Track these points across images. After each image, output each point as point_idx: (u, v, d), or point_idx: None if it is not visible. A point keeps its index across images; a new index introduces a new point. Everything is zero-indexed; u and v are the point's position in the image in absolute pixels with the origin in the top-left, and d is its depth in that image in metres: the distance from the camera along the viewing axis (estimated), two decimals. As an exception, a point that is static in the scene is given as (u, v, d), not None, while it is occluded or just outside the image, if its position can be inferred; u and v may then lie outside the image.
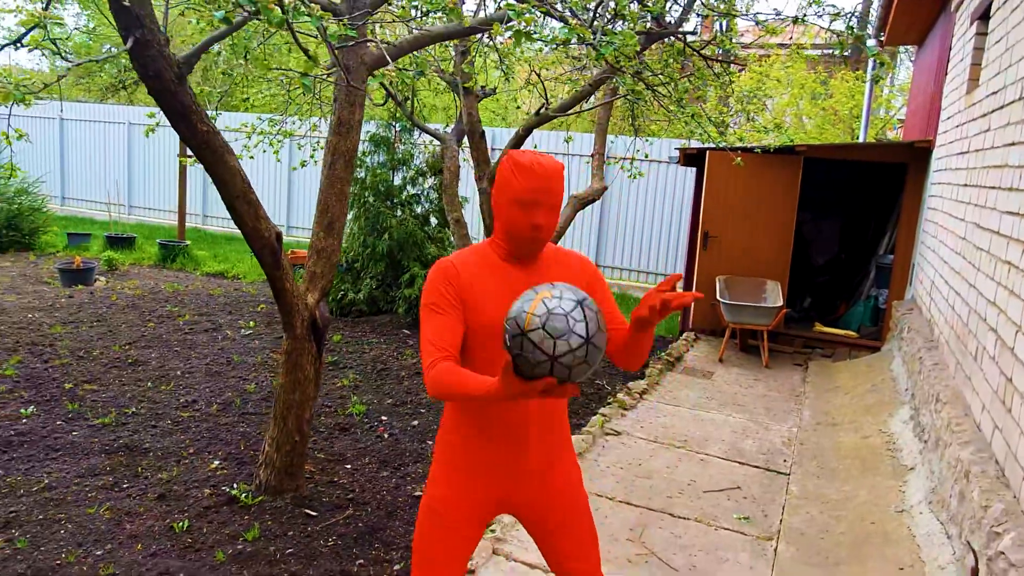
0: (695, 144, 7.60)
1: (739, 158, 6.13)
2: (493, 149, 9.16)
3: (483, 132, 6.15)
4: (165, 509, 3.45)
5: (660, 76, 4.49)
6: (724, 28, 6.33)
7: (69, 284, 7.86)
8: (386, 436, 4.55)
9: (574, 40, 2.32)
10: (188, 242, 10.26)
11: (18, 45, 3.24)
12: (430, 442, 4.50)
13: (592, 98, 6.89)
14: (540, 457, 1.97)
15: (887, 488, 3.96)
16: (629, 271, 10.86)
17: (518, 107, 8.47)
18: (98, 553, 3.06)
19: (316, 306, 3.48)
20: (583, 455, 4.49)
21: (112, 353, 5.68)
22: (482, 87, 6.46)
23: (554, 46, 2.52)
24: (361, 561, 3.17)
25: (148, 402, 4.77)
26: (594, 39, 2.40)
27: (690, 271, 7.98)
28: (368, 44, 3.03)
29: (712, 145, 6.31)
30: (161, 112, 2.68)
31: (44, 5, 2.98)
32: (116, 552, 3.07)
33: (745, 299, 7.32)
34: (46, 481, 3.63)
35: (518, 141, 5.82)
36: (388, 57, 3.21)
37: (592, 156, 7.28)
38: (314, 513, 3.51)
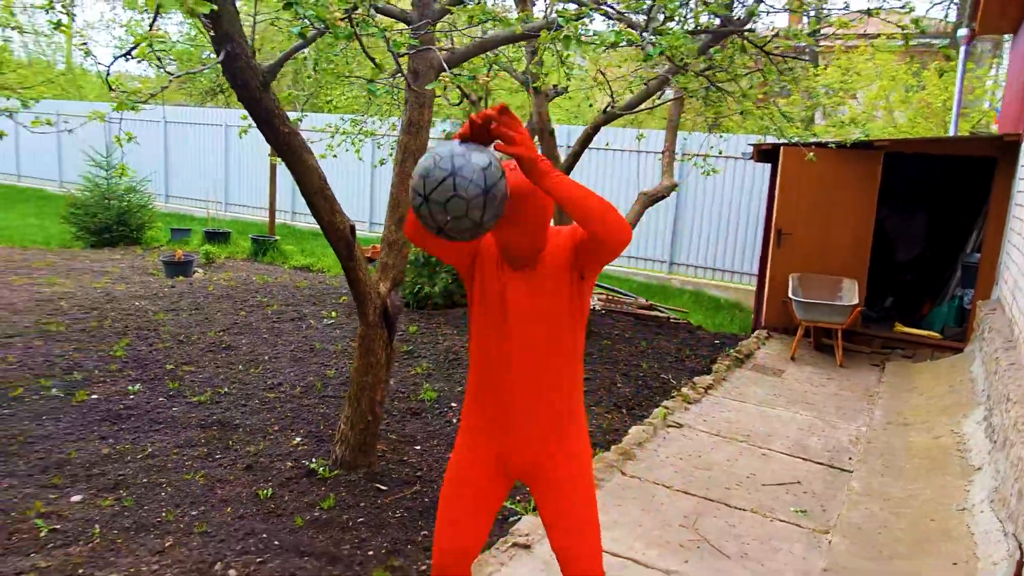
0: (770, 140, 7.52)
1: (811, 153, 6.06)
2: (567, 147, 9.27)
3: (552, 130, 6.31)
4: (252, 478, 3.79)
5: (726, 72, 4.53)
6: (812, 22, 6.25)
7: (172, 275, 8.51)
8: (454, 421, 4.78)
9: (623, 42, 2.45)
10: (278, 237, 10.86)
11: (127, 57, 3.63)
12: (495, 428, 4.69)
13: (666, 94, 6.93)
14: (528, 424, 2.09)
15: (952, 487, 3.89)
16: (704, 269, 10.77)
17: (591, 105, 8.57)
18: (193, 513, 3.40)
19: (388, 295, 3.73)
20: (643, 445, 4.59)
21: (208, 338, 6.16)
22: (554, 86, 6.62)
23: (604, 48, 2.65)
24: (425, 532, 3.40)
25: (239, 383, 5.17)
26: (643, 40, 2.53)
27: (763, 269, 7.90)
28: (433, 50, 3.23)
29: (786, 141, 6.26)
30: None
31: (150, 23, 3.34)
32: (209, 513, 3.41)
33: (820, 297, 7.20)
34: (150, 450, 4.03)
35: (586, 139, 5.95)
36: (447, 64, 3.42)
37: (663, 153, 7.32)
38: (384, 488, 3.78)
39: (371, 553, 3.20)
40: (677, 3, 2.72)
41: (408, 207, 3.81)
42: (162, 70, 2.93)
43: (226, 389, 5.03)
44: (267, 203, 11.49)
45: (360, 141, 7.59)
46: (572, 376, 2.13)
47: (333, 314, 7.30)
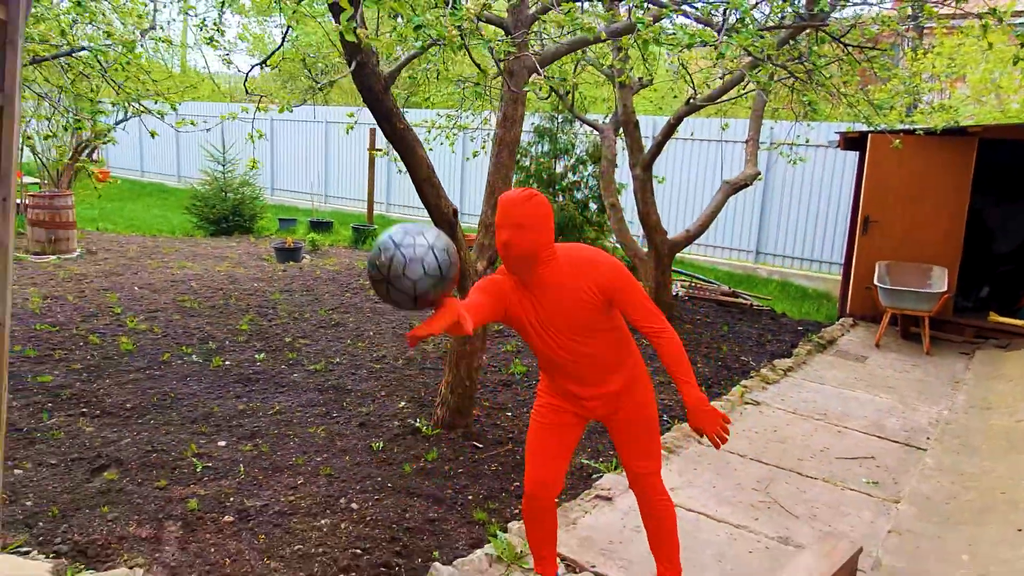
0: (859, 128, 7.52)
1: (897, 140, 6.10)
2: (651, 137, 9.49)
3: (637, 122, 6.59)
4: (365, 434, 4.31)
5: (803, 63, 4.71)
6: (902, 9, 6.27)
7: (283, 260, 9.29)
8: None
9: (697, 43, 2.75)
10: (376, 226, 11.56)
11: (263, 66, 4.19)
12: (580, 400, 5.07)
13: (749, 84, 7.07)
14: (594, 390, 2.58)
15: (1027, 464, 3.99)
16: (792, 259, 10.75)
17: (675, 96, 8.76)
18: (318, 459, 3.95)
19: (484, 271, 4.16)
20: (720, 419, 4.85)
21: (319, 316, 6.80)
22: (639, 79, 6.90)
23: (680, 49, 2.94)
24: (517, 483, 3.82)
25: (348, 355, 5.75)
26: (715, 40, 2.81)
27: (849, 257, 7.91)
28: (527, 53, 3.62)
29: (874, 128, 6.31)
30: (358, 113, 3.43)
31: (283, 35, 3.87)
32: (331, 460, 3.94)
33: (908, 285, 7.18)
34: (277, 407, 4.63)
35: (669, 130, 6.21)
36: (540, 64, 3.79)
37: (747, 142, 7.47)
38: (480, 445, 4.22)
39: (470, 497, 3.64)
40: (748, 6, 2.98)
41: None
42: (301, 76, 3.43)
43: (338, 359, 5.61)
44: (363, 195, 12.23)
45: (454, 135, 8.08)
46: (619, 346, 2.56)
47: (429, 296, 7.84)
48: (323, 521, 3.33)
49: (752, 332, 7.15)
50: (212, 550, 3.06)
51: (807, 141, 8.87)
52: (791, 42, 5.02)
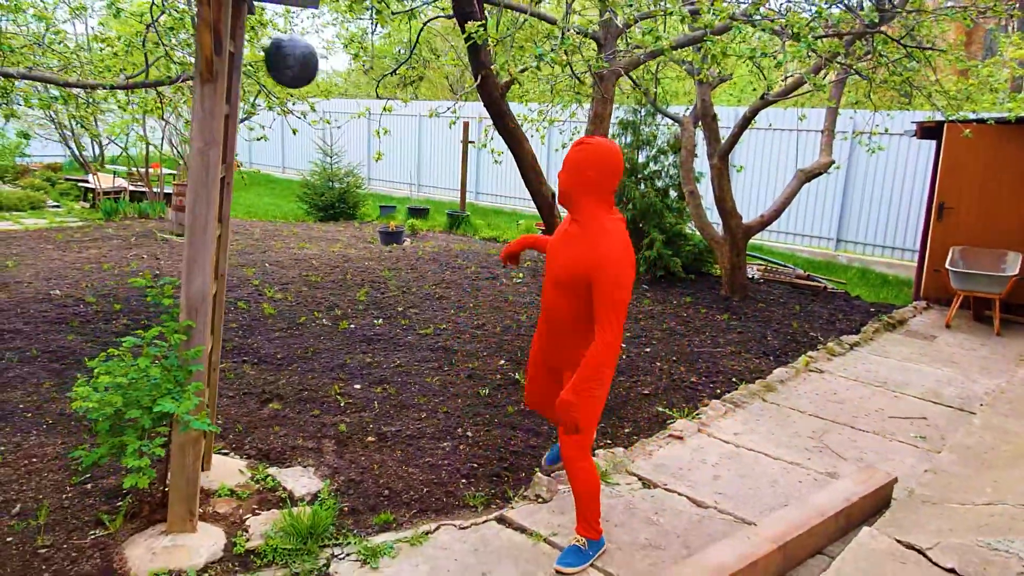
0: (938, 117, 7.78)
1: (968, 130, 6.42)
2: (728, 128, 9.93)
3: (715, 115, 7.13)
4: (472, 383, 5.11)
5: (874, 60, 5.17)
6: None
7: (387, 243, 10.27)
8: (624, 357, 5.87)
9: (758, 56, 3.34)
10: (468, 213, 12.43)
11: (394, 73, 4.99)
12: (659, 363, 5.72)
13: (827, 76, 7.47)
14: (548, 346, 3.17)
15: (1066, 424, 4.40)
16: (873, 246, 10.95)
17: (754, 89, 9.19)
18: (436, 400, 4.77)
19: (576, 248, 4.88)
20: (784, 382, 5.42)
21: (424, 291, 7.69)
22: (719, 73, 7.43)
23: (744, 60, 3.54)
24: (603, 424, 4.53)
25: (452, 323, 6.59)
26: (776, 51, 3.40)
27: (924, 242, 8.19)
28: (617, 58, 4.30)
29: (947, 118, 6.64)
30: (443, 107, 4.18)
31: (412, 47, 4.68)
32: (447, 401, 4.76)
33: (982, 268, 7.44)
34: (398, 361, 5.49)
35: (744, 122, 6.73)
36: (626, 70, 4.46)
37: (823, 132, 7.87)
38: (570, 395, 4.95)
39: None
40: (807, 18, 3.55)
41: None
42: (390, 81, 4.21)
43: (444, 326, 6.46)
44: (453, 183, 13.13)
45: (544, 128, 8.79)
46: (581, 320, 2.93)
47: (520, 275, 8.63)
48: (445, 443, 4.15)
49: (823, 312, 7.58)
50: (361, 459, 3.92)
51: (886, 130, 9.13)
52: (862, 40, 5.48)
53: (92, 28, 6.39)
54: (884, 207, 10.73)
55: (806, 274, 8.97)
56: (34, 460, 3.68)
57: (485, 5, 3.67)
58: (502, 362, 5.58)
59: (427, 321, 6.59)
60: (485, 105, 3.96)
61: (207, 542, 3.03)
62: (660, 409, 4.82)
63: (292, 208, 13.53)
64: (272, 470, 3.73)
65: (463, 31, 3.61)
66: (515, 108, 12.83)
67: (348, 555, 3.06)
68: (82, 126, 10.85)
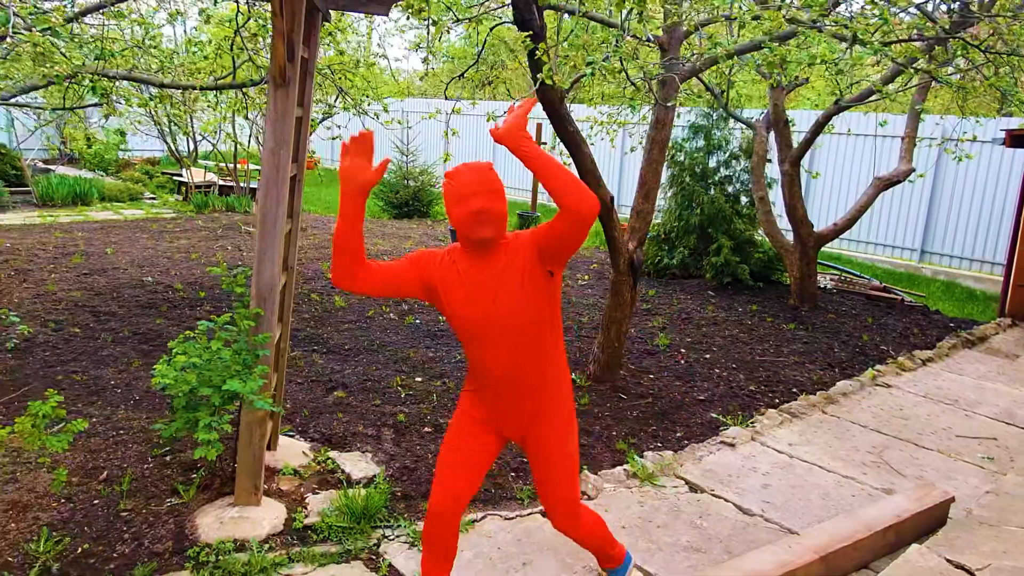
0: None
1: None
2: (804, 131, 9.70)
3: (787, 120, 7.01)
4: (528, 381, 5.23)
5: (954, 64, 5.00)
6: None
7: (456, 240, 10.49)
8: (683, 362, 5.86)
9: (818, 63, 3.31)
10: (539, 214, 12.54)
11: (461, 77, 5.12)
12: (717, 370, 5.69)
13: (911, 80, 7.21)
14: (517, 411, 2.41)
15: None
16: (960, 258, 10.46)
17: (832, 94, 8.95)
18: (492, 396, 4.91)
19: (634, 251, 4.92)
20: (847, 395, 5.30)
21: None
22: (796, 78, 7.29)
23: (804, 66, 3.51)
24: (654, 427, 4.57)
25: (514, 321, 6.71)
26: (838, 57, 3.36)
27: (1011, 256, 7.80)
28: (680, 65, 4.32)
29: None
30: (503, 113, 4.26)
31: (479, 51, 4.82)
32: (502, 397, 4.90)
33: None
34: (459, 357, 5.66)
35: (818, 127, 6.59)
36: (698, 68, 4.47)
37: (903, 138, 7.61)
38: (625, 397, 5.00)
39: (614, 433, 4.45)
40: (871, 28, 3.48)
41: (653, 186, 4.95)
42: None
43: (506, 324, 6.59)
44: (524, 184, 13.25)
45: (614, 131, 8.81)
46: (553, 348, 2.38)
47: (585, 277, 8.69)
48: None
49: (898, 325, 7.33)
50: (417, 447, 4.09)
51: (974, 137, 8.72)
52: (943, 45, 5.30)
53: (187, 31, 6.83)
54: (974, 218, 10.24)
55: (882, 285, 8.68)
56: (121, 432, 4.01)
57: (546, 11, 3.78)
58: (560, 362, 5.67)
59: (489, 319, 6.74)
60: (545, 111, 4.06)
61: (270, 516, 3.25)
62: (714, 416, 4.81)
63: (368, 205, 13.97)
64: (333, 453, 3.94)
65: (525, 38, 3.73)
66: (583, 111, 12.88)
67: (398, 536, 3.22)
68: (177, 124, 11.54)
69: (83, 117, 7.40)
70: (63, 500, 3.32)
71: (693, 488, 3.82)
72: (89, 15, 5.28)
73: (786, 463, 4.18)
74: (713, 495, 3.76)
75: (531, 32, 3.54)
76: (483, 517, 3.42)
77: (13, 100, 6.50)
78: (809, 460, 4.22)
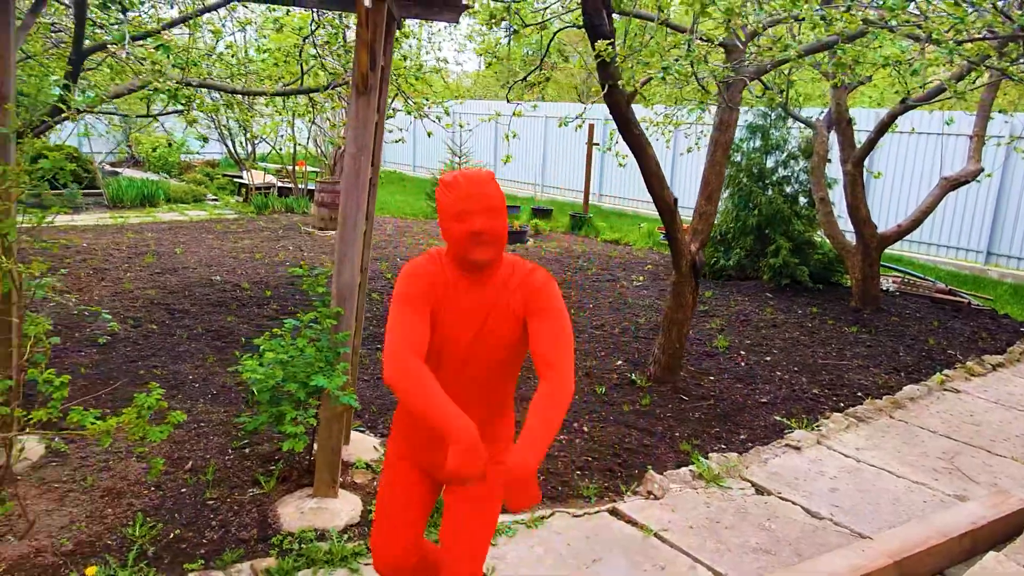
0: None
1: None
2: (866, 131, 9.51)
3: (850, 119, 6.91)
4: (590, 381, 5.27)
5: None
6: None
7: (510, 242, 10.60)
8: (743, 364, 5.83)
9: (892, 63, 3.27)
10: (591, 215, 12.57)
11: (524, 80, 5.21)
12: (779, 372, 5.65)
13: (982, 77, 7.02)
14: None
15: None
16: (1029, 261, 10.12)
17: (895, 92, 8.76)
18: (554, 395, 4.97)
19: (696, 253, 4.93)
20: (915, 400, 5.20)
21: (545, 290, 7.91)
22: (855, 77, 7.16)
23: (876, 68, 3.48)
24: (716, 429, 4.57)
25: (573, 322, 6.75)
26: (911, 57, 3.33)
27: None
28: (745, 65, 4.32)
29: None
30: (576, 117, 4.31)
31: (542, 57, 4.89)
32: (564, 396, 4.95)
33: None
34: (519, 356, 5.74)
35: (882, 127, 6.47)
36: (761, 70, 4.45)
37: (971, 137, 7.41)
38: (686, 398, 5.01)
39: (677, 434, 4.47)
40: (945, 27, 3.43)
41: (716, 187, 4.95)
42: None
43: (563, 325, 6.65)
44: (576, 185, 13.29)
45: (669, 132, 8.78)
46: (503, 391, 2.14)
47: (641, 278, 8.69)
48: (562, 436, 4.34)
49: (965, 329, 7.15)
50: (484, 445, 4.18)
51: (1046, 135, 8.43)
52: (1016, 42, 5.16)
53: (255, 40, 7.07)
54: (1043, 218, 9.89)
55: (948, 288, 8.46)
56: (202, 424, 4.20)
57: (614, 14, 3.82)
58: (619, 362, 5.70)
59: (547, 319, 6.80)
60: (611, 114, 4.10)
61: (347, 507, 3.38)
62: (778, 419, 4.79)
63: (422, 206, 14.17)
64: (402, 449, 4.06)
65: (592, 43, 3.78)
66: (640, 111, 12.85)
67: (469, 531, 3.31)
68: (242, 127, 11.91)
69: (159, 123, 7.73)
70: (153, 488, 3.50)
71: (760, 490, 3.82)
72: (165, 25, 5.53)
73: (854, 467, 4.14)
74: (780, 498, 3.76)
75: (603, 43, 3.59)
76: (552, 514, 3.49)
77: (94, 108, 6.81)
78: (878, 465, 4.18)
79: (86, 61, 4.92)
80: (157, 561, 2.95)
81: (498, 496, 2.13)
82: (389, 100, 8.29)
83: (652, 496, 3.69)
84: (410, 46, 7.26)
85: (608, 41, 3.42)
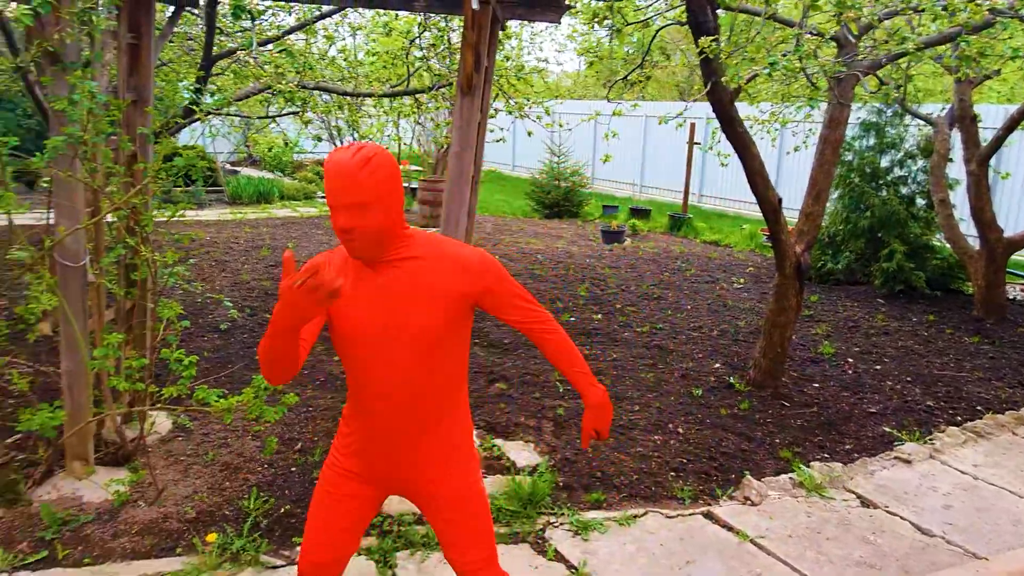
0: None
1: None
2: (993, 128, 8.87)
3: (974, 116, 6.48)
4: (686, 383, 5.20)
5: None
6: None
7: (608, 242, 10.55)
8: (850, 372, 5.59)
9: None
10: (691, 215, 12.34)
11: (625, 80, 5.20)
12: (889, 382, 5.38)
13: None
14: (411, 457, 1.96)
15: None
16: None
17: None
18: (649, 395, 4.94)
19: (801, 254, 4.77)
20: (1043, 417, 4.84)
21: (642, 290, 7.84)
22: (981, 70, 6.71)
23: (1004, 61, 3.25)
24: (819, 437, 4.41)
25: (668, 323, 6.68)
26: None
27: None
28: (858, 59, 4.14)
29: None
30: (676, 115, 4.25)
31: (644, 56, 4.85)
32: (659, 397, 4.91)
33: None
34: (614, 356, 5.73)
35: (1012, 124, 6.04)
36: (876, 65, 4.26)
37: (1117, 135, 6.79)
38: (787, 404, 4.86)
39: (777, 440, 4.34)
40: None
41: (824, 187, 4.77)
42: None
43: (660, 326, 6.58)
44: (675, 185, 13.05)
45: (776, 130, 8.51)
46: (446, 387, 1.94)
47: (742, 280, 8.46)
48: (656, 437, 4.31)
49: (1105, 343, 6.57)
50: (576, 441, 4.21)
51: None
52: None
53: (366, 43, 7.37)
54: None
55: (1085, 298, 7.79)
56: (310, 409, 4.44)
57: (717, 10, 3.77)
58: (717, 365, 5.59)
59: (644, 319, 6.75)
60: (714, 111, 4.04)
61: (443, 494, 3.49)
62: (887, 430, 4.57)
63: (520, 205, 14.33)
64: (498, 441, 4.15)
65: (696, 40, 3.74)
66: (744, 110, 12.50)
67: (562, 524, 3.35)
68: (351, 128, 12.41)
69: (276, 123, 8.20)
70: (266, 465, 3.74)
71: (865, 503, 3.67)
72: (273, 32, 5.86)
73: (970, 484, 3.90)
74: (887, 512, 3.59)
75: (706, 40, 3.54)
76: (644, 513, 3.48)
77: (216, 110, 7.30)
78: (997, 483, 3.92)
79: (212, 67, 5.30)
80: (269, 533, 3.15)
81: (479, 494, 2.05)
82: (491, 100, 8.45)
83: (749, 502, 3.62)
84: (511, 47, 7.37)
85: (712, 37, 3.37)
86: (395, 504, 3.38)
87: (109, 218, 3.45)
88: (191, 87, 5.00)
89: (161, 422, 4.05)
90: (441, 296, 1.83)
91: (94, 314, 3.47)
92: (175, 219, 3.62)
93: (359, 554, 3.02)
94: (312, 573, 2.04)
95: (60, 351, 3.30)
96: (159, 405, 3.61)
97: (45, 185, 3.32)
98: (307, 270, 1.45)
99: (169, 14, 4.35)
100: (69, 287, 3.20)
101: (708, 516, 3.49)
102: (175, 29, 5.93)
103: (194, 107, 4.57)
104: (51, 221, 3.26)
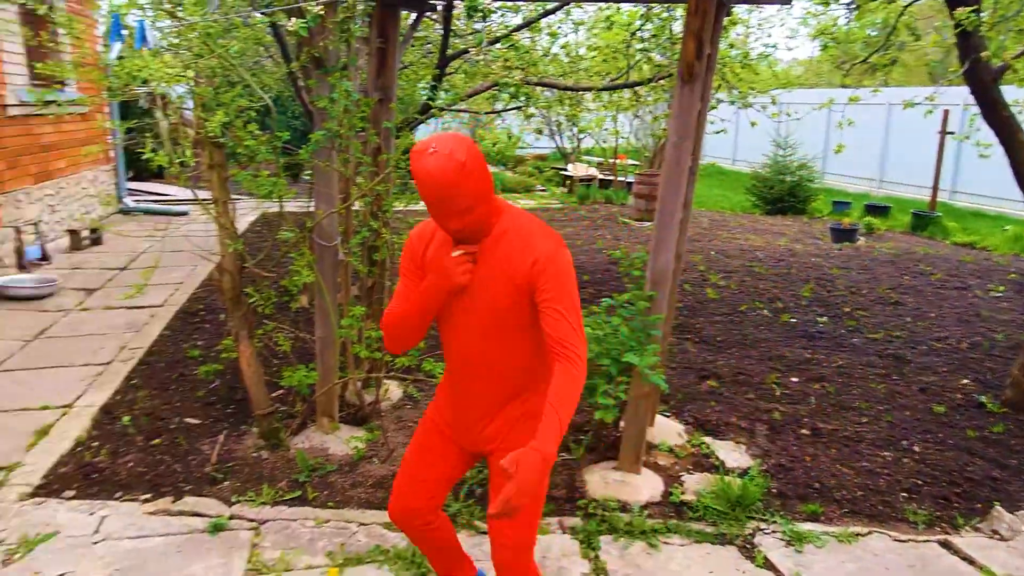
0: None
1: None
2: None
3: None
4: (925, 398, 4.68)
5: None
6: None
7: (837, 240, 9.76)
8: None
9: None
10: (940, 214, 11.02)
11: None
12: None
13: None
14: (490, 423, 2.04)
15: None
16: None
17: None
18: (879, 407, 4.51)
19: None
20: None
21: (875, 293, 7.16)
22: None
23: None
24: None
25: (907, 331, 6.04)
26: None
27: None
28: None
29: None
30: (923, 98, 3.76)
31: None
32: (892, 411, 4.47)
33: None
34: (840, 362, 5.30)
35: None
36: None
37: None
38: (1054, 431, 4.19)
39: (1038, 471, 3.77)
40: None
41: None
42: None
43: (897, 333, 5.97)
44: (923, 181, 11.67)
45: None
46: (523, 360, 1.97)
47: (1001, 288, 7.41)
48: (886, 453, 3.94)
49: None
50: (793, 448, 3.97)
51: None
52: None
53: (588, 39, 7.48)
54: None
55: None
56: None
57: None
58: (965, 381, 4.97)
59: (877, 325, 6.17)
60: (973, 93, 3.57)
61: (648, 485, 3.48)
62: None
63: (740, 200, 13.73)
64: (707, 439, 4.04)
65: (951, 11, 3.33)
66: (1012, 92, 10.87)
67: (773, 532, 3.19)
68: (570, 122, 12.70)
69: (502, 118, 8.61)
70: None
71: None
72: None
73: None
74: None
75: (964, 10, 3.15)
76: (868, 532, 3.20)
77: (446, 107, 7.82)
78: None
79: (447, 66, 5.69)
80: (482, 500, 3.35)
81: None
82: (713, 91, 8.16)
83: (998, 535, 3.19)
84: (737, 34, 7.07)
85: (972, 7, 2.98)
86: (598, 488, 3.44)
87: (356, 205, 3.86)
88: (428, 86, 5.42)
89: (393, 390, 4.46)
90: (509, 278, 1.86)
91: (342, 289, 3.92)
92: (410, 207, 3.97)
93: (563, 531, 3.12)
94: (401, 515, 2.20)
95: (315, 320, 3.77)
96: (392, 374, 3.99)
97: (307, 177, 3.80)
98: (466, 248, 1.83)
99: (411, 21, 4.75)
100: (324, 264, 3.64)
101: (945, 545, 3.13)
102: (416, 34, 6.45)
103: (430, 103, 4.95)
104: (311, 207, 3.73)
